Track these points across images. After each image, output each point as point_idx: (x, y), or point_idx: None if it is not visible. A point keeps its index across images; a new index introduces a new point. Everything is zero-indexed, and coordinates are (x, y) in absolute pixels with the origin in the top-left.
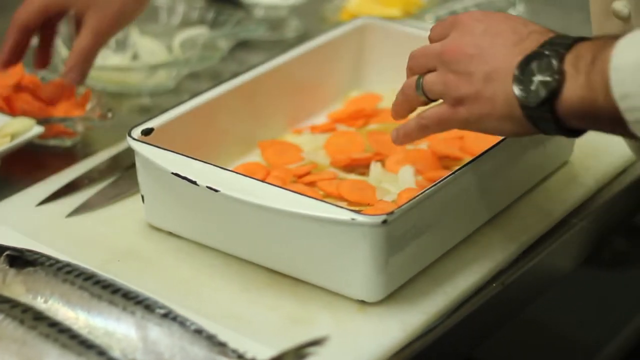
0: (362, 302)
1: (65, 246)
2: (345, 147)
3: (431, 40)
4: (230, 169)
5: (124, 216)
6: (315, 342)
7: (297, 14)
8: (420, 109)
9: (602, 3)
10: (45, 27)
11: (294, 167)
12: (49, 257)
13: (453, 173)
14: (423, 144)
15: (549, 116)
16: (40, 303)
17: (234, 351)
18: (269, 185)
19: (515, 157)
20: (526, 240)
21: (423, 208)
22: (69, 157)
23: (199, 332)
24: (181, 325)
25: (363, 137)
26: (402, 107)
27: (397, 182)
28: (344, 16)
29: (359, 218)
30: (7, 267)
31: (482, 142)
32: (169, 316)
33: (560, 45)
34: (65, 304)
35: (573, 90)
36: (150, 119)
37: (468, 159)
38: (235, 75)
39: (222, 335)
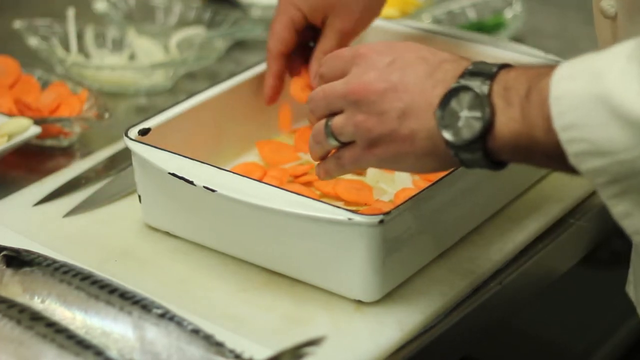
0: (359, 302)
1: (62, 246)
2: None
3: (325, 77)
4: (227, 169)
5: (121, 216)
6: (313, 342)
7: None
8: None
9: (595, 1)
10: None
11: (291, 167)
12: (46, 257)
13: (450, 173)
14: None
15: (480, 153)
16: (37, 303)
17: (231, 351)
18: (266, 185)
19: None
20: (523, 240)
21: (420, 208)
22: (66, 157)
23: (196, 332)
24: (178, 325)
25: None
26: (317, 152)
27: (394, 182)
28: None
29: (356, 218)
30: (4, 267)
31: None
32: (166, 316)
33: (483, 75)
34: (62, 304)
35: (505, 125)
36: (147, 119)
37: None
38: (232, 75)
39: (219, 335)
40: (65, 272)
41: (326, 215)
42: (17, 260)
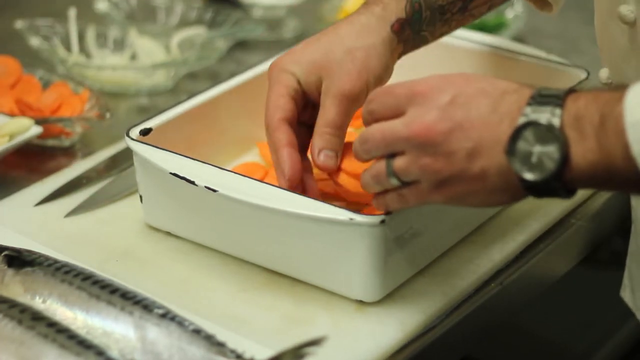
0: (361, 302)
1: (63, 246)
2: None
3: (376, 114)
4: (229, 169)
5: (122, 216)
6: (314, 342)
7: (295, 14)
8: None
9: (608, 5)
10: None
11: None
12: (47, 257)
13: None
14: None
15: (557, 186)
16: (38, 303)
17: (232, 351)
18: (267, 186)
19: None
20: (524, 240)
21: (421, 208)
22: (67, 157)
23: (197, 332)
24: (179, 325)
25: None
26: (375, 189)
27: None
28: (342, 16)
29: (357, 218)
30: (6, 267)
31: None
32: (167, 316)
33: (550, 105)
34: (63, 304)
35: (582, 156)
36: (148, 119)
37: None
38: (233, 75)
39: (221, 335)
40: (67, 272)
41: (327, 215)
42: (19, 260)
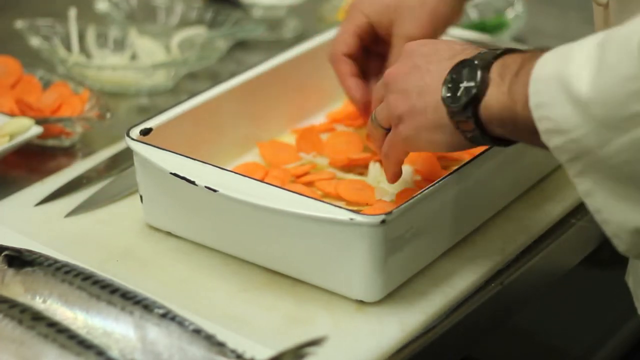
0: (361, 302)
1: (63, 246)
2: (344, 147)
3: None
4: (229, 169)
5: (123, 216)
6: (314, 342)
7: (295, 14)
8: None
9: None
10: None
11: (292, 167)
12: (47, 257)
13: (452, 173)
14: None
15: (472, 121)
16: (38, 303)
17: (232, 351)
18: (268, 185)
19: (513, 156)
20: (525, 240)
21: (421, 208)
22: (67, 157)
23: (197, 332)
24: (180, 325)
25: (362, 137)
26: (373, 144)
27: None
28: (342, 16)
29: (358, 218)
30: (6, 267)
31: None
32: (168, 316)
33: (489, 55)
34: (63, 303)
35: (495, 97)
36: (148, 119)
37: (466, 158)
38: (233, 75)
39: (221, 335)
40: (67, 272)
41: (328, 215)
42: (19, 260)
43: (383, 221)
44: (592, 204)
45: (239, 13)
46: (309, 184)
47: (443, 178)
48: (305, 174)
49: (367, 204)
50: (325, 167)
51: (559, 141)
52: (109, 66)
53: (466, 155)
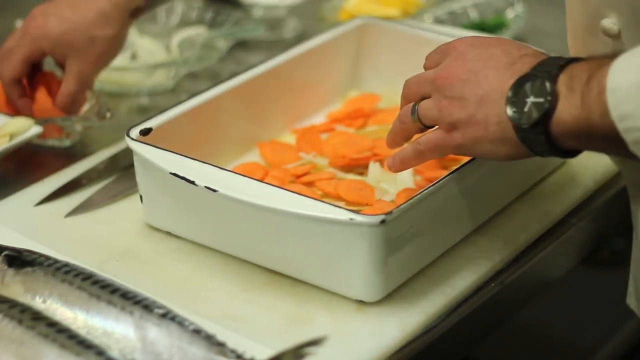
0: (361, 302)
1: (63, 246)
2: (344, 147)
3: (426, 68)
4: (229, 169)
5: (123, 216)
6: (314, 342)
7: (296, 13)
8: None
9: (588, 21)
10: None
11: (292, 167)
12: (47, 257)
13: (452, 173)
14: None
15: (542, 137)
16: (38, 303)
17: (232, 351)
18: (268, 185)
19: None
20: (525, 240)
21: (421, 208)
22: (67, 157)
23: (197, 332)
24: (180, 325)
25: (361, 137)
26: (399, 134)
27: (396, 182)
28: (343, 16)
29: (358, 218)
30: (6, 267)
31: None
32: (168, 316)
33: (552, 66)
34: (63, 303)
35: (567, 110)
36: (148, 118)
37: (467, 159)
38: (233, 75)
39: (221, 335)
40: (67, 272)
41: (328, 215)
42: (19, 260)
43: (383, 221)
44: None
45: (239, 13)
46: (309, 184)
47: (443, 178)
48: (305, 174)
49: (367, 204)
50: (325, 167)
51: None
52: (109, 66)
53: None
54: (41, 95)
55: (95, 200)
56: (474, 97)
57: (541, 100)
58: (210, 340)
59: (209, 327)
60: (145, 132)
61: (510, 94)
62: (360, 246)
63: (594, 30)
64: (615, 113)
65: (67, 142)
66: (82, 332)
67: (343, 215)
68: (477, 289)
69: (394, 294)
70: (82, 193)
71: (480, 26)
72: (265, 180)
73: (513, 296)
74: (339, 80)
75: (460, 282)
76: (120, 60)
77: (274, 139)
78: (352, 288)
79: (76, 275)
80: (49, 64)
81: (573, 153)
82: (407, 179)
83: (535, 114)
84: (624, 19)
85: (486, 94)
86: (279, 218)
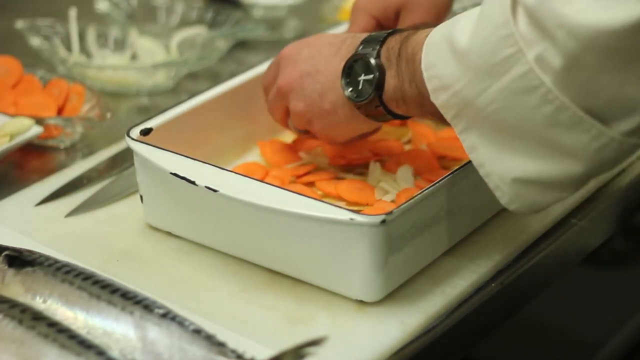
0: (361, 302)
1: (63, 246)
2: (344, 147)
3: (265, 86)
4: (229, 169)
5: (123, 216)
6: (314, 342)
7: (296, 13)
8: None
9: None
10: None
11: (292, 167)
12: (47, 257)
13: (452, 173)
14: (423, 145)
15: (381, 108)
16: (39, 303)
17: (232, 351)
18: (268, 185)
19: None
20: (525, 240)
21: (421, 208)
22: (67, 157)
23: (197, 332)
24: (180, 325)
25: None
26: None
27: (396, 182)
28: (343, 16)
29: (358, 218)
30: (6, 267)
31: None
32: (168, 316)
33: (373, 42)
34: (64, 303)
35: (389, 82)
36: (148, 119)
37: (467, 159)
38: (233, 75)
39: (221, 335)
40: (67, 272)
41: (328, 215)
42: (19, 260)
43: (383, 221)
44: (475, 158)
45: (239, 13)
46: (309, 184)
47: (443, 178)
48: (305, 174)
49: (367, 204)
50: (325, 167)
51: (445, 97)
52: (109, 66)
53: (466, 155)
54: None
55: (95, 200)
56: (316, 92)
57: (370, 76)
58: (211, 340)
59: (209, 327)
60: (145, 132)
61: (344, 75)
62: (360, 246)
63: None
64: (424, 63)
65: (67, 142)
66: (83, 332)
67: (343, 215)
68: (478, 289)
69: (395, 294)
70: (82, 193)
71: None
72: (265, 180)
73: (513, 296)
74: None
75: (460, 282)
76: (120, 60)
77: (274, 139)
78: (352, 288)
79: (76, 275)
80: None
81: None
82: (407, 179)
83: (369, 90)
84: None
85: (324, 85)
86: (279, 218)
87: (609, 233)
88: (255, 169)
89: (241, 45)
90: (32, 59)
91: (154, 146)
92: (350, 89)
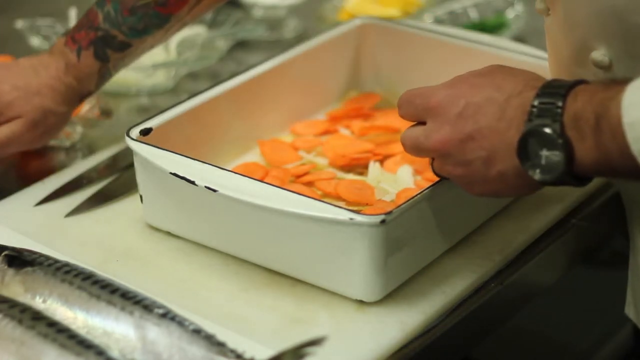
0: (361, 302)
1: (63, 246)
2: (344, 147)
3: (407, 118)
4: (229, 168)
5: (123, 216)
6: (314, 342)
7: (296, 13)
8: None
9: (575, 53)
10: None
11: (292, 166)
12: (47, 257)
13: None
14: None
15: (570, 180)
16: (38, 303)
17: (232, 351)
18: (268, 185)
19: None
20: (525, 240)
21: (421, 208)
22: (67, 157)
23: (197, 332)
24: (180, 325)
25: (361, 138)
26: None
27: (396, 182)
28: (343, 16)
29: (358, 218)
30: (6, 267)
31: None
32: (168, 316)
33: (551, 111)
34: (63, 303)
35: (584, 155)
36: (148, 119)
37: None
38: (233, 75)
39: (221, 335)
40: (67, 272)
41: (328, 215)
42: (19, 260)
43: (383, 221)
44: None
45: (239, 13)
46: (309, 184)
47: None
48: (305, 174)
49: (367, 204)
50: (325, 167)
51: None
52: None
53: None
54: None
55: (95, 200)
56: (479, 160)
57: (556, 153)
58: (210, 340)
59: (209, 327)
60: (145, 132)
61: (519, 152)
62: (360, 246)
63: (582, 62)
64: (636, 147)
65: (67, 142)
66: (82, 332)
67: (343, 215)
68: (477, 289)
69: (394, 294)
70: (82, 193)
71: (480, 26)
72: (265, 180)
73: (513, 296)
74: (339, 80)
75: (460, 282)
76: None
77: (274, 139)
78: (352, 288)
79: (76, 275)
80: None
81: (590, 179)
82: (407, 179)
83: (556, 167)
84: (614, 50)
85: (490, 153)
86: (279, 218)
87: (607, 233)
88: (255, 169)
89: (241, 45)
90: None
91: (153, 146)
92: (531, 165)
